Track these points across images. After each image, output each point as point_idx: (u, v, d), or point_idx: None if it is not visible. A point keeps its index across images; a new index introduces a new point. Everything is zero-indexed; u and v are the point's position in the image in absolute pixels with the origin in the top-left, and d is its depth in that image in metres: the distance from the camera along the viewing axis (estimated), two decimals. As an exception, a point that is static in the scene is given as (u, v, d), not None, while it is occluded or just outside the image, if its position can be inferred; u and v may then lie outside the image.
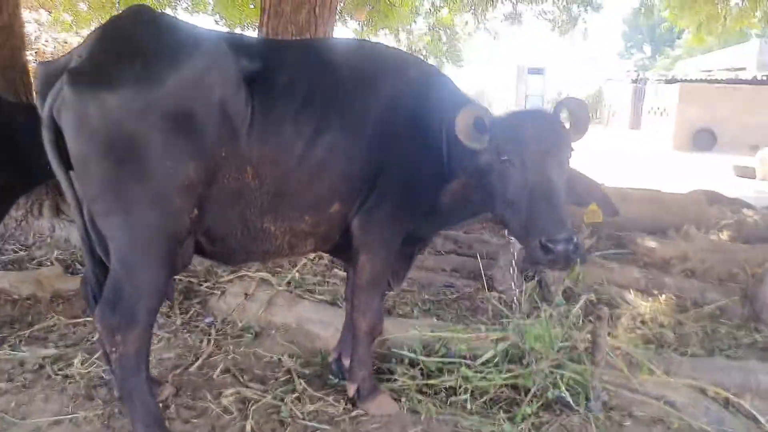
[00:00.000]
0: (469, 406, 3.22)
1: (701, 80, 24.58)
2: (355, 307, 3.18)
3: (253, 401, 3.22)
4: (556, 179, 2.60)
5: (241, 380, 3.46)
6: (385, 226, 3.01)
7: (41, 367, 3.51)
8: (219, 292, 4.47)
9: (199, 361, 3.63)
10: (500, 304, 4.43)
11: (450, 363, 3.55)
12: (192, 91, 2.50)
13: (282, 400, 3.24)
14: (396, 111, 2.94)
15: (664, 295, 4.49)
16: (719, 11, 9.40)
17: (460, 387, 3.35)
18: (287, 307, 4.14)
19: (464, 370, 3.42)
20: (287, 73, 2.79)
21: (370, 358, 3.30)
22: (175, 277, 4.34)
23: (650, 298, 4.51)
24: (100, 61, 2.47)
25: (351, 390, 3.24)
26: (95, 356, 3.53)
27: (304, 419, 3.09)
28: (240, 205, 2.75)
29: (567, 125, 2.75)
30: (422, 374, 3.52)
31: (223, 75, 2.59)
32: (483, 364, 3.46)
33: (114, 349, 2.59)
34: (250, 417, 3.05)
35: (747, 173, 15.04)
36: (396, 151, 2.93)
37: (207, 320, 4.27)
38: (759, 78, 23.68)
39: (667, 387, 3.29)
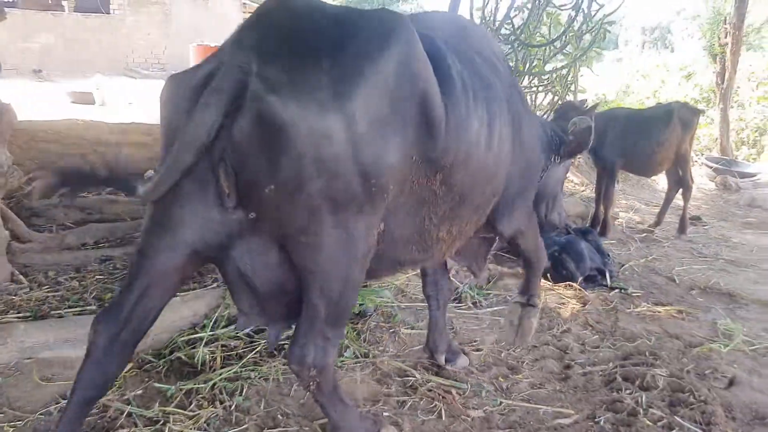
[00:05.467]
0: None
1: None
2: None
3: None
4: None
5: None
6: (527, 210, 3.10)
7: None
8: None
9: None
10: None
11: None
12: (397, 87, 2.03)
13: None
14: (516, 94, 2.90)
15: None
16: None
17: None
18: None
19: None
20: (452, 57, 2.40)
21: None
22: None
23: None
24: (282, 64, 1.86)
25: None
26: None
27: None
28: (419, 215, 2.39)
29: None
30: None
31: (422, 64, 2.13)
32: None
33: (311, 383, 2.28)
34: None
35: (87, 99, 15.54)
36: (523, 135, 2.87)
37: None
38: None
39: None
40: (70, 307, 3.44)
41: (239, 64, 1.82)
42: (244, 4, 30.08)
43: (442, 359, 3.37)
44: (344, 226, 2.04)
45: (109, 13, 25.85)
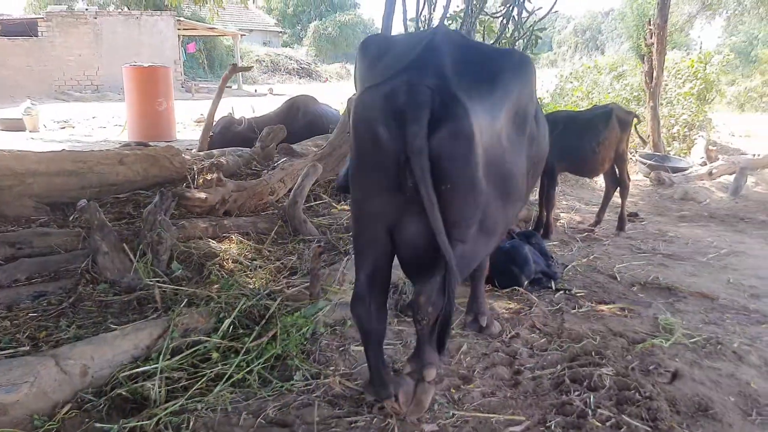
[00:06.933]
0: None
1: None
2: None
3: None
4: None
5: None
6: None
7: None
8: None
9: None
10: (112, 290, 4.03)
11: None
12: (527, 111, 2.87)
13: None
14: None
15: (233, 235, 5.03)
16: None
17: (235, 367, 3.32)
18: None
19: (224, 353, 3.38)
20: None
21: None
22: None
23: (225, 241, 4.97)
24: (464, 87, 2.43)
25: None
26: None
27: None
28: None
29: None
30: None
31: (535, 92, 3.03)
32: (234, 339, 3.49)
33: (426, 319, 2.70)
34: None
35: (16, 126, 14.96)
36: None
37: None
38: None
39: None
40: (1, 349, 3.27)
41: (429, 85, 2.33)
42: (179, 20, 29.57)
43: (483, 321, 4.01)
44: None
45: (37, 36, 25.09)
